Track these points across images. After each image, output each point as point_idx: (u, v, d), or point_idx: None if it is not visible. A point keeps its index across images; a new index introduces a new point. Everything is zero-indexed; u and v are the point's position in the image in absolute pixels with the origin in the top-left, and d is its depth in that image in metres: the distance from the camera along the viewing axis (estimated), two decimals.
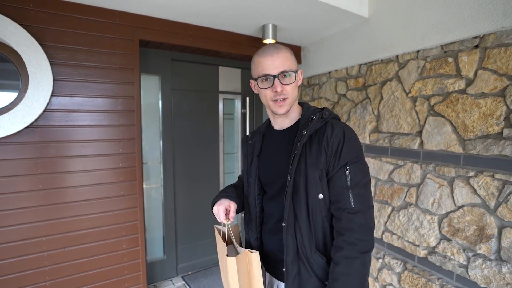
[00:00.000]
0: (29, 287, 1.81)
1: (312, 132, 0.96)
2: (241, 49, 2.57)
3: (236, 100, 2.94)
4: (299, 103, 1.09)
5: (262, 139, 1.14)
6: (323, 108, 1.03)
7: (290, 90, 0.97)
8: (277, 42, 2.66)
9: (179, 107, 2.57)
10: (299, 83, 1.02)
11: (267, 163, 1.10)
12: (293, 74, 0.97)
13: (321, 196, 0.93)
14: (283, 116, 1.04)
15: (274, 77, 0.95)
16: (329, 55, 2.60)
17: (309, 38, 2.70)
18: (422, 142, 1.85)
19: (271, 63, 0.95)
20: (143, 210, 2.19)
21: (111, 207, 2.06)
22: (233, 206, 1.11)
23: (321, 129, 0.96)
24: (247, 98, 2.83)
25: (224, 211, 1.09)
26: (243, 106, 2.93)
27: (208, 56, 2.67)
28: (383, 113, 2.11)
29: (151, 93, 2.48)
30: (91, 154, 1.98)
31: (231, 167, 2.98)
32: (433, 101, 1.78)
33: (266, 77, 0.96)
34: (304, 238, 0.94)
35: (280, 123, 1.08)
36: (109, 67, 2.02)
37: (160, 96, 2.48)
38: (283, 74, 0.95)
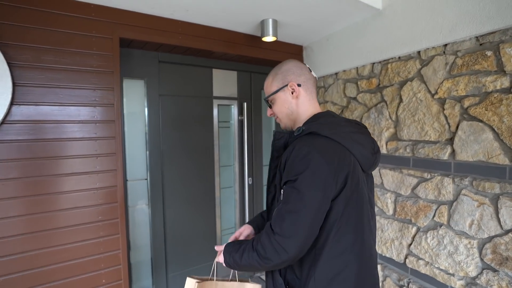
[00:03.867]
0: None
1: (281, 147, 1.04)
2: (237, 49, 2.29)
3: (233, 106, 2.64)
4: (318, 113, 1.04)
5: None
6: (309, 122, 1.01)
7: (277, 111, 1.06)
8: (277, 41, 2.39)
9: (167, 115, 2.27)
10: (295, 93, 1.01)
11: None
12: (273, 98, 1.05)
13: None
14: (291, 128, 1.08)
15: (267, 103, 1.10)
16: (336, 54, 2.32)
17: (313, 36, 2.43)
18: (453, 152, 1.57)
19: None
20: (126, 237, 1.87)
21: (87, 235, 1.73)
22: (246, 230, 1.20)
23: (288, 148, 0.95)
24: (245, 103, 2.54)
25: (236, 235, 1.19)
26: (240, 112, 2.64)
27: (200, 57, 2.38)
28: (403, 118, 1.83)
29: (135, 100, 2.18)
30: (62, 174, 1.66)
31: (228, 180, 2.68)
32: (466, 103, 1.50)
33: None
34: None
35: None
36: (84, 70, 1.72)
37: (145, 103, 2.18)
38: (267, 100, 1.08)
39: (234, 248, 0.98)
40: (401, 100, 1.84)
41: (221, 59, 2.46)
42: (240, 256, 0.94)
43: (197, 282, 1.05)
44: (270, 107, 1.08)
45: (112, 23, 1.79)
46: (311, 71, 1.07)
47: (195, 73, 2.41)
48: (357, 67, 2.17)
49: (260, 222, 1.24)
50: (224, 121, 2.62)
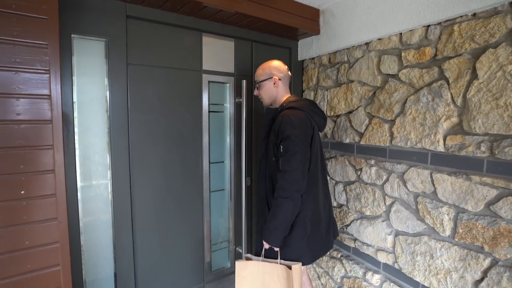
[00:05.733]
0: None
1: (269, 120, 1.57)
2: (238, 5, 1.67)
3: (228, 84, 2.04)
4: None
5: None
6: (295, 100, 1.54)
7: (263, 94, 1.62)
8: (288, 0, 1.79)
9: (138, 93, 1.65)
10: (276, 84, 1.57)
11: None
12: (262, 84, 1.60)
13: (273, 158, 1.49)
14: (272, 107, 1.63)
15: (255, 85, 1.66)
16: (368, 17, 1.73)
17: None
18: None
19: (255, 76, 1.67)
20: (70, 271, 1.27)
21: (13, 269, 1.13)
22: None
23: (277, 118, 1.48)
24: (244, 82, 1.93)
25: None
26: (238, 93, 2.04)
27: (186, 16, 1.75)
28: (477, 103, 1.28)
29: (90, 69, 1.54)
30: None
31: (219, 181, 2.09)
32: None
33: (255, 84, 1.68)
34: (267, 182, 1.55)
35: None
36: None
37: (106, 75, 1.55)
38: (257, 83, 1.63)
39: (266, 225, 1.42)
40: (475, 77, 1.28)
41: (215, 19, 1.83)
42: (274, 220, 1.38)
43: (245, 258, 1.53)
44: (257, 89, 1.63)
45: None
46: (288, 71, 1.62)
47: (178, 36, 1.78)
48: (400, 33, 1.59)
49: None
50: (216, 104, 2.02)
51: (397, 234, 1.67)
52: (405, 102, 1.59)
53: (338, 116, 2.03)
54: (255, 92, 1.65)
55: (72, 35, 1.43)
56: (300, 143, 1.36)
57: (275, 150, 1.45)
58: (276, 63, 1.59)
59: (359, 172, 1.89)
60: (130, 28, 1.60)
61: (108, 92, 1.55)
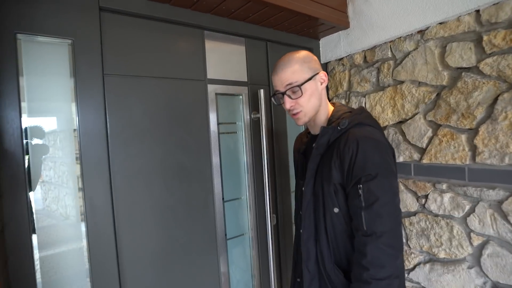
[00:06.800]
0: None
1: (324, 145, 0.96)
2: None
3: (241, 96, 1.58)
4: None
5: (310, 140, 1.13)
6: (351, 111, 0.99)
7: (304, 103, 0.97)
8: None
9: (122, 115, 1.18)
10: (323, 84, 1.00)
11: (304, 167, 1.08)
12: (304, 87, 0.96)
13: (336, 210, 0.92)
14: (309, 124, 1.07)
15: (283, 93, 0.98)
16: None
17: None
18: None
19: (278, 79, 0.98)
20: None
21: None
22: None
23: (336, 141, 0.94)
24: (261, 91, 1.48)
25: None
26: (254, 107, 1.58)
27: (182, 8, 1.31)
28: None
29: (49, 83, 1.06)
30: None
31: (237, 225, 1.60)
32: None
33: (277, 94, 1.01)
34: (323, 250, 0.95)
35: (312, 129, 1.09)
36: None
37: (73, 92, 1.07)
38: (291, 89, 0.96)
39: None
40: None
41: (219, 13, 1.40)
42: None
43: None
44: (290, 97, 0.98)
45: None
46: None
47: (173, 36, 1.33)
48: (477, 10, 1.17)
49: None
50: (227, 123, 1.56)
51: (496, 287, 1.19)
52: (494, 103, 1.15)
53: (384, 128, 1.58)
54: (289, 105, 0.99)
55: (18, 35, 0.97)
56: (393, 184, 0.88)
57: (340, 196, 0.92)
58: (307, 52, 1.03)
59: (422, 200, 1.43)
60: (106, 25, 1.14)
61: (76, 118, 1.07)
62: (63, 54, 1.06)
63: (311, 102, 0.98)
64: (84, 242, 1.09)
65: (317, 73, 0.99)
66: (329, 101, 1.11)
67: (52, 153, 1.09)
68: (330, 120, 1.01)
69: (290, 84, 0.96)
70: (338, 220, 0.93)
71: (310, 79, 0.97)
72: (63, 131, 1.10)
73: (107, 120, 1.13)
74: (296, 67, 0.97)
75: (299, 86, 0.96)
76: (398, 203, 0.88)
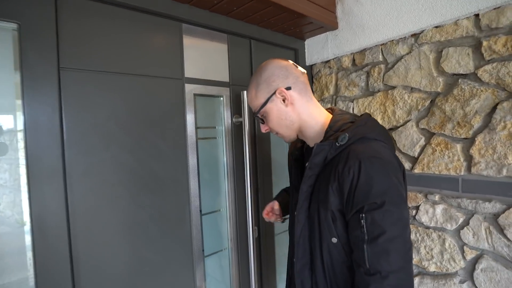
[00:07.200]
0: None
1: (320, 164, 0.80)
2: None
3: (222, 98, 1.43)
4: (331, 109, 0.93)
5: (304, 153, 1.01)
6: (354, 121, 0.83)
7: (274, 126, 0.90)
8: None
9: (83, 118, 1.00)
10: (289, 100, 0.85)
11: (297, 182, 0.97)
12: (264, 111, 0.88)
13: (334, 240, 0.78)
14: (301, 138, 0.95)
15: (258, 118, 0.93)
16: None
17: None
18: None
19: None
20: None
21: None
22: (275, 205, 1.19)
23: (335, 158, 0.78)
24: (244, 93, 1.35)
25: (268, 209, 1.20)
26: (237, 110, 1.44)
27: None
28: None
29: None
30: None
31: (215, 240, 1.44)
32: None
33: (254, 116, 0.94)
34: (319, 282, 0.82)
35: (306, 141, 0.95)
36: None
37: (19, 88, 0.87)
38: (259, 114, 0.91)
39: None
40: None
41: (200, 4, 1.24)
42: None
43: None
44: (263, 122, 0.92)
45: None
46: (297, 67, 0.89)
47: (145, 27, 1.16)
48: (476, 14, 1.11)
49: (285, 197, 1.23)
50: (206, 127, 1.40)
51: None
52: (492, 111, 1.09)
53: None
54: (263, 129, 0.94)
55: None
56: (403, 213, 0.72)
57: (339, 224, 0.77)
58: (272, 64, 0.88)
59: (413, 211, 1.36)
60: (64, 9, 0.95)
61: (22, 121, 0.87)
62: (6, 41, 0.86)
63: (281, 124, 0.89)
64: (31, 271, 0.90)
65: (273, 93, 0.85)
66: (327, 108, 0.97)
67: (9, 154, 0.90)
68: (327, 133, 0.83)
69: (254, 111, 0.92)
70: (336, 251, 0.78)
71: (265, 103, 0.87)
72: (23, 130, 0.90)
73: (63, 122, 0.94)
74: (253, 94, 0.90)
75: (259, 113, 0.90)
76: (408, 236, 0.72)
